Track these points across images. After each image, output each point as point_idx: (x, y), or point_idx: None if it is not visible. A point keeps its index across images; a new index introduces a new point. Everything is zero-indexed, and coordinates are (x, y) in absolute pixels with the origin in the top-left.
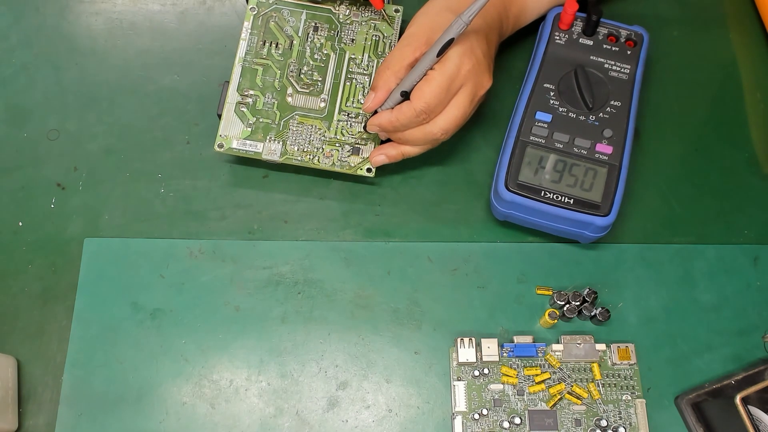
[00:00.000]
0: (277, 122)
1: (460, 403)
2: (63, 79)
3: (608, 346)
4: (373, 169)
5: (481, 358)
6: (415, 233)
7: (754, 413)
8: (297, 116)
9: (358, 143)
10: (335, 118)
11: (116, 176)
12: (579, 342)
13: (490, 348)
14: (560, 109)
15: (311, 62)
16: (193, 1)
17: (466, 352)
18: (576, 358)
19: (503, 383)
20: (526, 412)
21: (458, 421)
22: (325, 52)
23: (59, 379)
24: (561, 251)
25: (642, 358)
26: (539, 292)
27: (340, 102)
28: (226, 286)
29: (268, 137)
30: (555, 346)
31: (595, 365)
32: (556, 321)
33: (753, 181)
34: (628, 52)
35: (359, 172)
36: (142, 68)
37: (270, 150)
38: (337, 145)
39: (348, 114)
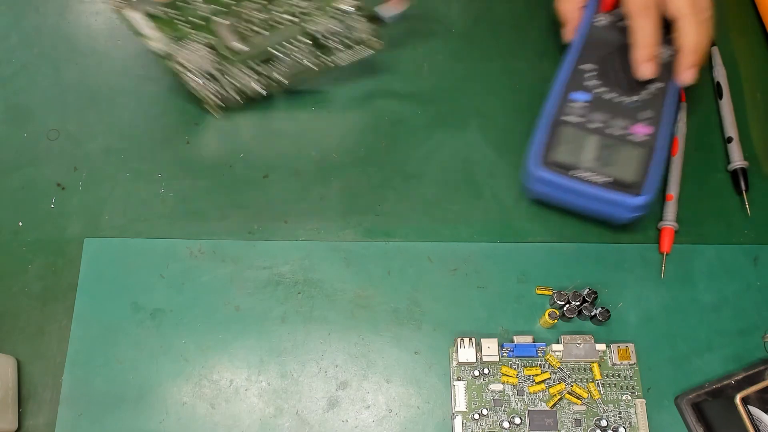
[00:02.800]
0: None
1: (460, 403)
2: (63, 79)
3: (608, 346)
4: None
5: (481, 358)
6: (415, 233)
7: (754, 413)
8: None
9: None
10: None
11: (116, 176)
12: (579, 342)
13: (490, 348)
14: (598, 90)
15: None
16: None
17: (466, 352)
18: (576, 358)
19: (503, 383)
20: (526, 412)
21: (458, 421)
22: None
23: (59, 379)
24: (561, 251)
25: (642, 358)
26: (539, 292)
27: None
28: (226, 286)
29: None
30: (555, 346)
31: (595, 365)
32: (556, 321)
33: (753, 181)
34: (668, 36)
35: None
36: (142, 68)
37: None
38: None
39: None
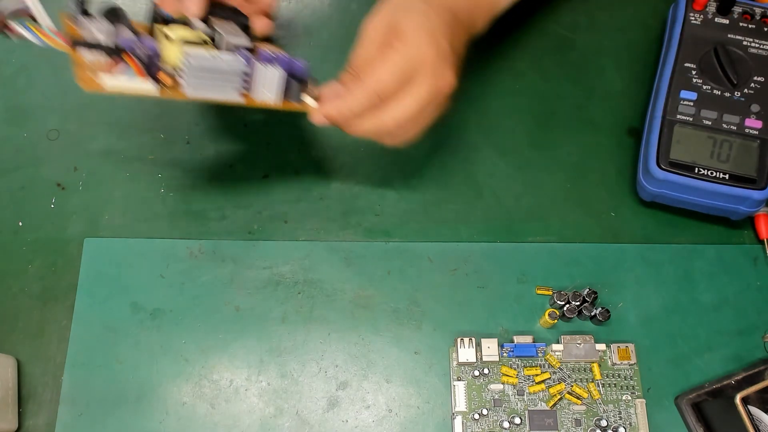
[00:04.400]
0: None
1: (460, 403)
2: (63, 79)
3: (608, 346)
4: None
5: (481, 358)
6: (415, 233)
7: (754, 413)
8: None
9: None
10: None
11: (116, 176)
12: (579, 342)
13: (490, 348)
14: (704, 87)
15: None
16: None
17: (466, 352)
18: (576, 358)
19: (503, 383)
20: (526, 412)
21: (458, 421)
22: None
23: (59, 379)
24: (561, 251)
25: (642, 358)
26: (539, 292)
27: None
28: (226, 286)
29: None
30: (555, 346)
31: (595, 365)
32: (556, 321)
33: None
34: (765, 29)
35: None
36: None
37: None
38: None
39: None
